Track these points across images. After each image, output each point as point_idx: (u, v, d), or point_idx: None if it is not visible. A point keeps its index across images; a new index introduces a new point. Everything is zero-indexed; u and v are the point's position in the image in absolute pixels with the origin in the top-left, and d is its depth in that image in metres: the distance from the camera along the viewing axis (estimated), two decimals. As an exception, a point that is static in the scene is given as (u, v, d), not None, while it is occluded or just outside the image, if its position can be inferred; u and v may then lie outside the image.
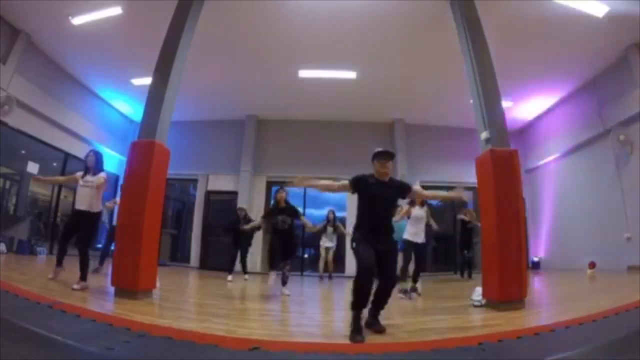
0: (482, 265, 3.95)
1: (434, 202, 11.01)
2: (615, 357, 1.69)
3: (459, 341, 2.16)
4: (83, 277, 3.89)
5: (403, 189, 2.90)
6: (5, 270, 4.44)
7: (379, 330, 2.57)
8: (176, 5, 4.72)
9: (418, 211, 5.13)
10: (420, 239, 5.11)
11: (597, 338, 2.01)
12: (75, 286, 3.73)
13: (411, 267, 5.21)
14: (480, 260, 4.15)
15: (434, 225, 5.57)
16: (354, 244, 2.68)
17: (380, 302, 2.66)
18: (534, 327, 2.54)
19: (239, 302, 4.33)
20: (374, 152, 2.83)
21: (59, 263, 4.18)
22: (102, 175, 4.21)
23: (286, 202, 4.88)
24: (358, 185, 2.79)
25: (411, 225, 5.13)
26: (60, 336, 1.77)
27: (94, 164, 4.21)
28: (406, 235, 5.13)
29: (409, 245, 5.13)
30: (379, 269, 2.60)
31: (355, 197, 2.87)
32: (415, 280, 4.99)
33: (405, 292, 4.67)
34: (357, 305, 2.47)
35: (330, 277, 7.78)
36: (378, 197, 2.72)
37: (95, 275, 5.14)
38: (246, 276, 6.75)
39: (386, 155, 2.78)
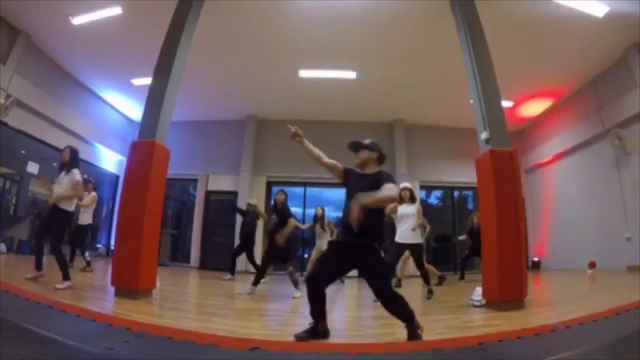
0: (482, 265, 3.95)
1: (434, 202, 11.08)
2: (616, 357, 1.69)
3: (459, 341, 2.16)
4: (66, 276, 3.81)
5: (378, 183, 2.36)
6: (5, 270, 4.44)
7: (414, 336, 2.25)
8: (176, 5, 4.72)
9: (404, 209, 4.64)
10: (410, 239, 4.58)
11: (597, 338, 2.01)
12: (59, 285, 3.68)
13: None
14: (480, 260, 4.15)
15: (426, 226, 5.26)
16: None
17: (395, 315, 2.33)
18: (534, 327, 2.53)
19: (239, 302, 4.33)
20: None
21: (39, 267, 4.01)
22: (75, 174, 4.14)
23: (283, 204, 4.84)
24: (348, 176, 2.53)
25: (398, 225, 4.68)
26: (60, 336, 1.76)
27: (67, 160, 4.23)
28: (395, 237, 4.67)
29: (397, 248, 4.66)
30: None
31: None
32: (427, 282, 4.73)
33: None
34: (312, 311, 2.36)
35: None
36: (354, 189, 2.37)
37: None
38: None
39: (350, 146, 2.56)
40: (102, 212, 10.64)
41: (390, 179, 2.39)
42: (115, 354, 1.66)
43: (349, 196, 2.38)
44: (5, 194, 8.26)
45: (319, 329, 2.34)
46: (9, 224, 7.57)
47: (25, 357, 1.55)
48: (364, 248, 2.28)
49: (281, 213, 4.81)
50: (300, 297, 4.37)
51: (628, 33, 6.08)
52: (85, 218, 6.04)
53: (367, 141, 2.55)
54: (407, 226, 4.62)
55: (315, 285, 2.33)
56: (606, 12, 5.54)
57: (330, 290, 2.43)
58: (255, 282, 4.80)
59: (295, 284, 4.64)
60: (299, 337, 2.27)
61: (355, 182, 2.45)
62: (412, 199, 4.77)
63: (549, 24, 5.86)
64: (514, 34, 6.05)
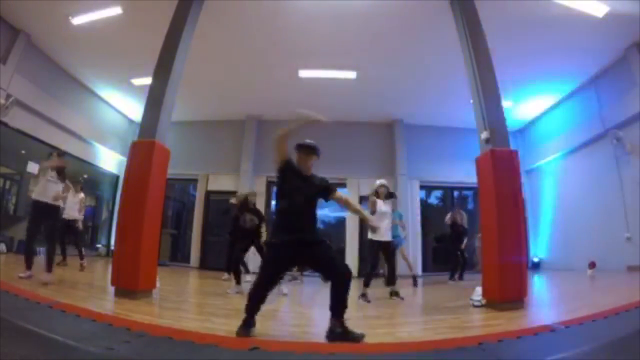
0: (482, 265, 3.95)
1: (434, 202, 11.07)
2: (615, 357, 1.69)
3: (459, 341, 2.16)
4: (50, 269, 4.08)
5: (325, 190, 2.60)
6: (5, 270, 4.44)
7: (356, 338, 2.23)
8: (176, 5, 4.72)
9: (382, 206, 4.64)
10: (386, 236, 4.61)
11: (597, 338, 2.01)
12: (45, 278, 3.94)
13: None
14: (480, 260, 4.15)
15: (403, 228, 5.24)
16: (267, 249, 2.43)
17: (339, 304, 2.31)
18: (534, 327, 2.54)
19: (239, 302, 4.33)
20: (299, 143, 2.68)
21: (30, 266, 4.12)
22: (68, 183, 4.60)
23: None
24: (287, 167, 2.56)
25: (378, 221, 4.45)
26: (60, 336, 1.77)
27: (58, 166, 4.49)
28: (370, 235, 4.58)
29: (374, 246, 4.57)
30: (321, 270, 2.47)
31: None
32: (392, 283, 4.61)
33: (363, 295, 4.30)
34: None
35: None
36: (299, 190, 2.48)
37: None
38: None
39: (312, 151, 2.63)
40: (102, 213, 10.66)
41: None
42: (115, 354, 1.66)
43: (292, 194, 2.53)
44: (5, 194, 8.27)
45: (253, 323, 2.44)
46: (9, 224, 7.58)
47: (25, 357, 1.55)
48: None
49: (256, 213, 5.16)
50: (286, 296, 4.63)
51: (628, 33, 6.08)
52: (72, 214, 6.14)
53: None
54: (387, 223, 4.62)
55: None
56: (606, 12, 5.54)
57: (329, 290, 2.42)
58: (239, 281, 4.93)
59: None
60: (241, 334, 2.33)
61: (299, 181, 2.58)
62: (388, 196, 4.74)
63: (549, 24, 5.85)
64: (514, 33, 6.04)
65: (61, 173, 4.45)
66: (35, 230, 4.21)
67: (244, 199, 5.22)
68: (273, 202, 9.86)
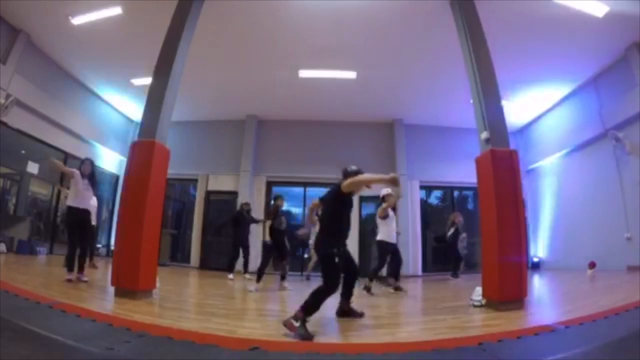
0: (482, 265, 3.95)
1: (433, 202, 11.07)
2: (615, 357, 1.69)
3: (459, 341, 2.16)
4: (82, 268, 4.60)
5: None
6: (5, 270, 4.45)
7: (358, 315, 3.12)
8: (176, 5, 4.72)
9: (390, 212, 5.24)
10: (394, 239, 5.27)
11: (597, 338, 2.01)
12: (85, 278, 4.46)
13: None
14: (480, 260, 4.15)
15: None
16: (335, 257, 2.78)
17: (350, 292, 3.25)
18: (534, 327, 2.54)
19: (239, 302, 4.33)
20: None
21: (72, 267, 4.41)
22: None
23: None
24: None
25: (388, 225, 5.17)
26: (60, 336, 1.77)
27: (90, 173, 4.79)
28: (382, 237, 5.13)
29: (388, 247, 5.16)
30: (348, 265, 3.14)
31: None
32: (397, 279, 5.28)
33: (369, 289, 4.82)
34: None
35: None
36: (350, 208, 3.06)
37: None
38: (247, 275, 6.88)
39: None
40: (102, 213, 10.65)
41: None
42: (115, 354, 1.66)
43: (348, 208, 3.02)
44: (5, 194, 8.27)
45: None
46: (9, 224, 7.58)
47: (25, 357, 1.55)
48: None
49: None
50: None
51: (628, 33, 6.07)
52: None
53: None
54: (392, 227, 5.27)
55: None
56: (606, 12, 5.54)
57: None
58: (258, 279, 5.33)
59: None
60: (306, 336, 2.38)
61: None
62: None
63: (549, 23, 5.85)
64: (514, 33, 6.04)
65: (91, 179, 4.81)
66: (76, 237, 4.57)
67: (276, 208, 5.67)
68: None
